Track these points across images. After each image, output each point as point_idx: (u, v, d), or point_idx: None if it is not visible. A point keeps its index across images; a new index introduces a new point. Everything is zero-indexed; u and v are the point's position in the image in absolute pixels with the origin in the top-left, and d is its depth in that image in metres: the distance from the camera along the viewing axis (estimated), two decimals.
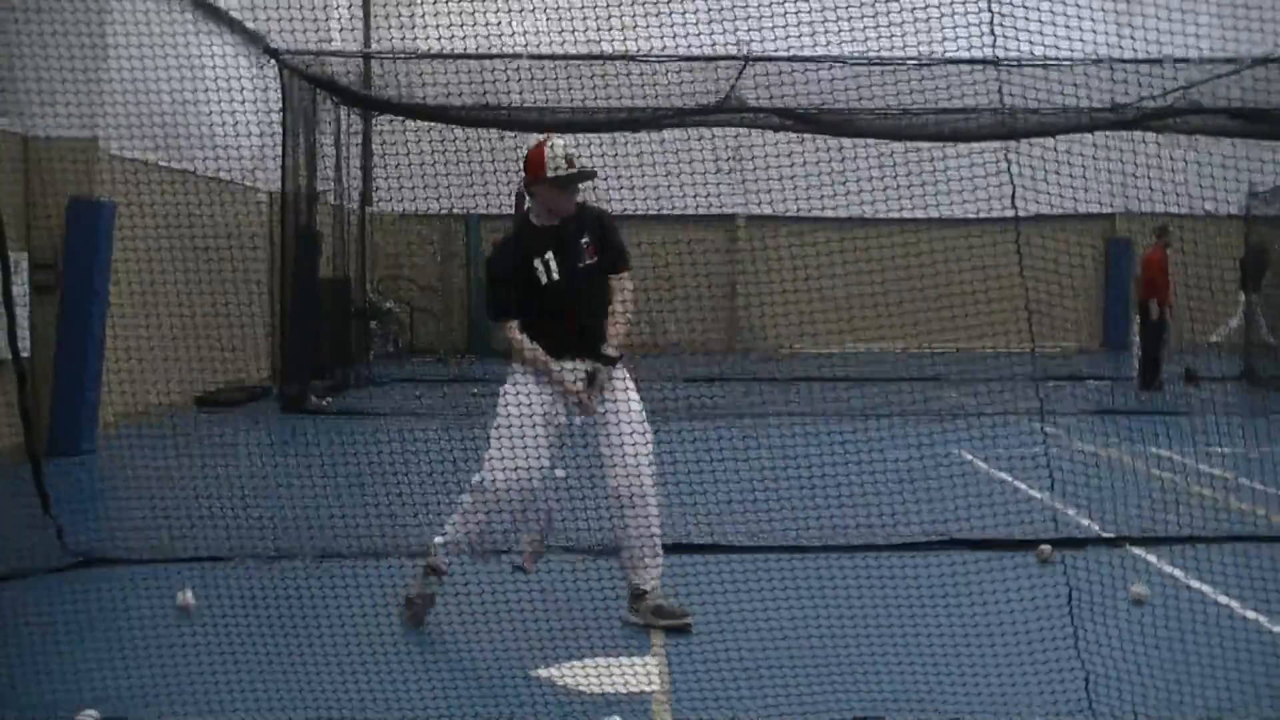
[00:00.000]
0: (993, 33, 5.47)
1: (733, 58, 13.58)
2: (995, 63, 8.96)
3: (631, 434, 6.27)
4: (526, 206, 6.49)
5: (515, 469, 6.20)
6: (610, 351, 6.30)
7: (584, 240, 6.33)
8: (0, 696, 5.37)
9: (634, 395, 6.40)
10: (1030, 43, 7.08)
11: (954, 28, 7.11)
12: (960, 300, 11.77)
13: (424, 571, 6.47)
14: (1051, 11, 7.21)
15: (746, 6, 22.82)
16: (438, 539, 6.46)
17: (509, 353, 6.45)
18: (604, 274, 6.39)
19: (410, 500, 7.60)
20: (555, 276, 6.31)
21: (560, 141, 6.33)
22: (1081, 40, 8.69)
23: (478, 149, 8.76)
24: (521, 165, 6.35)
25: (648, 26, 10.85)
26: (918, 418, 13.90)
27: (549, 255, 6.31)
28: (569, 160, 6.23)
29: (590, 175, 6.35)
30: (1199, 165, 8.97)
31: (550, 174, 6.21)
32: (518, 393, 6.32)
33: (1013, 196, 5.51)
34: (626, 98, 12.10)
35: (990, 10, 5.54)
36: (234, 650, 5.81)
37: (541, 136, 6.42)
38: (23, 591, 6.90)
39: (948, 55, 10.92)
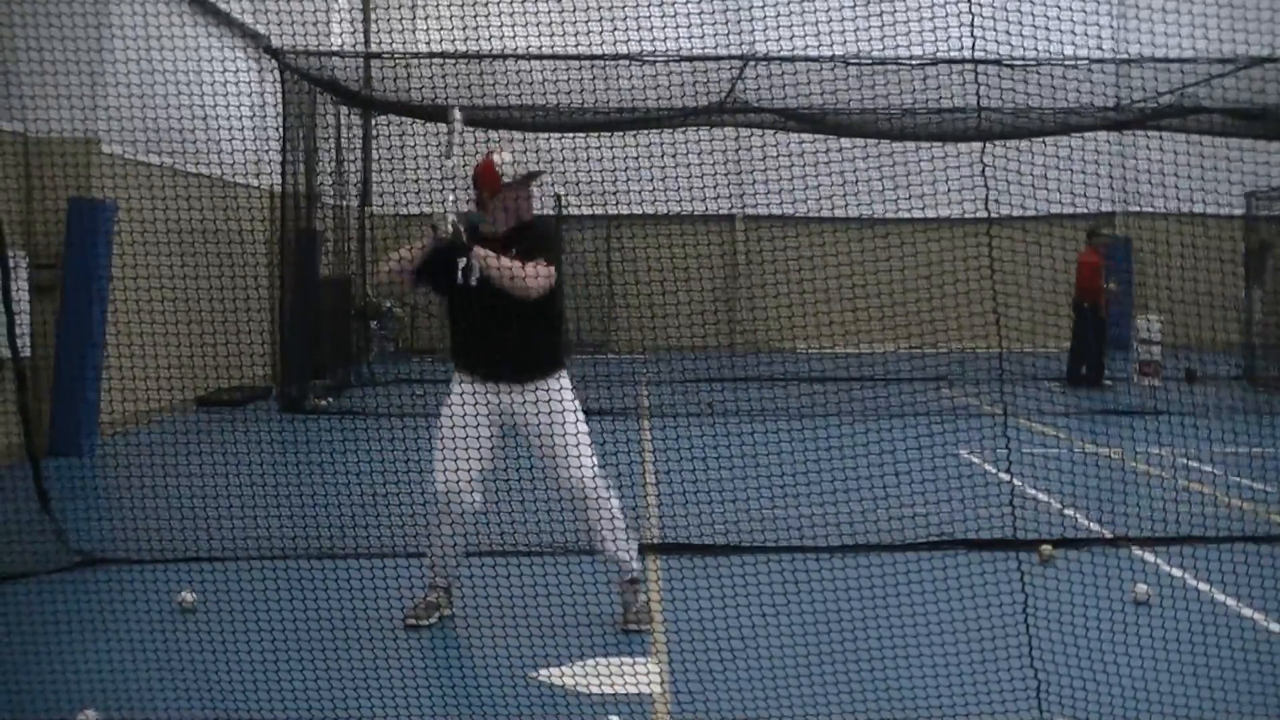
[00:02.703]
0: (974, 35, 5.46)
1: (733, 57, 13.60)
2: (1000, 63, 8.98)
3: (565, 444, 6.26)
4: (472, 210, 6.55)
5: (456, 471, 6.23)
6: (462, 225, 6.15)
7: (512, 251, 6.26)
8: (0, 696, 5.37)
9: (566, 402, 6.32)
10: (1035, 47, 7.08)
11: (958, 27, 7.10)
12: (960, 301, 11.77)
13: (428, 586, 6.53)
14: (1059, 15, 7.21)
15: (749, 7, 22.84)
16: (432, 554, 6.50)
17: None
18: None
19: (410, 500, 7.60)
20: (472, 281, 6.23)
21: (502, 154, 6.43)
22: (1087, 44, 8.69)
23: (476, 149, 8.77)
24: (472, 183, 6.39)
25: (649, 28, 10.85)
26: (918, 418, 13.90)
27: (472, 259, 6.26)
28: (515, 164, 6.36)
29: (539, 174, 6.41)
30: (1201, 165, 8.96)
31: (506, 179, 6.30)
32: (459, 394, 6.34)
33: (986, 199, 5.51)
34: (626, 98, 12.13)
35: (988, 12, 5.54)
36: (234, 650, 5.82)
37: (484, 153, 6.48)
38: (23, 591, 6.90)
39: (951, 56, 10.93)
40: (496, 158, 6.38)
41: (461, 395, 6.36)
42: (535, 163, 6.60)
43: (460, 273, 6.25)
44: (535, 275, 6.16)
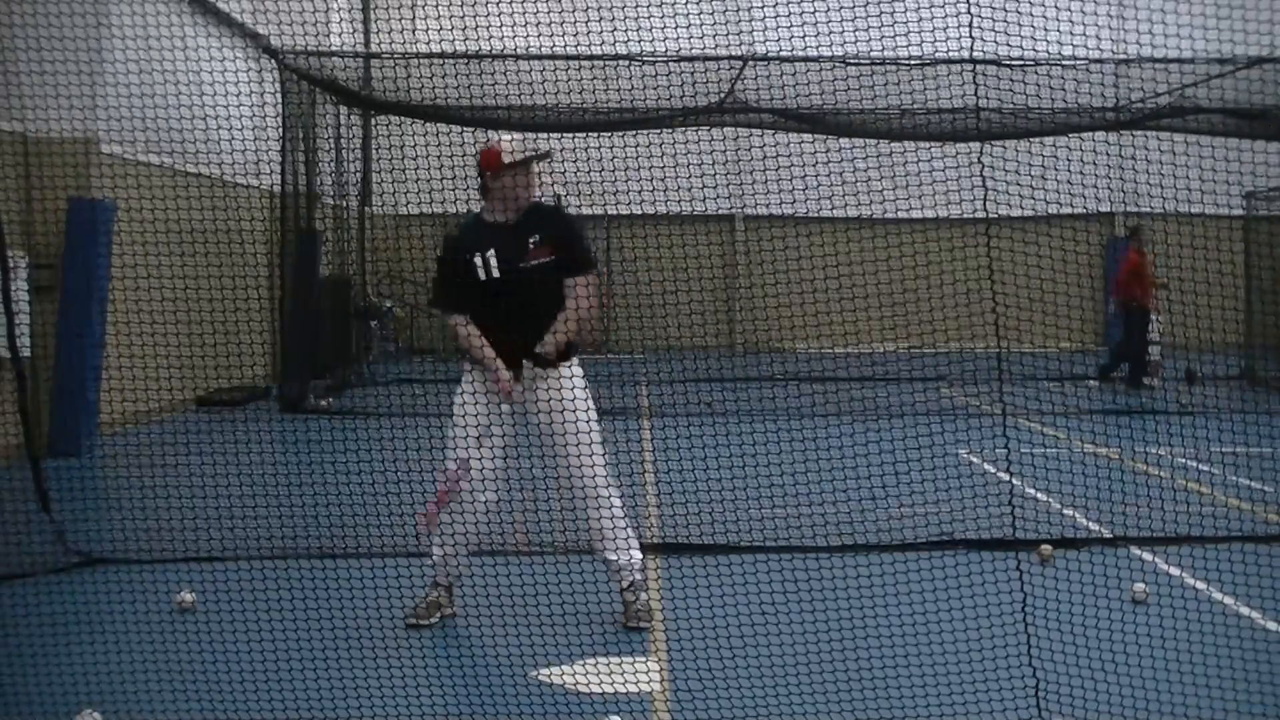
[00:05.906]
0: (972, 35, 5.46)
1: (733, 58, 13.59)
2: (999, 63, 8.97)
3: (575, 432, 6.26)
4: (481, 205, 6.54)
5: (470, 470, 6.24)
6: (542, 349, 6.26)
7: (532, 240, 6.30)
8: (0, 696, 5.37)
9: (578, 390, 6.34)
10: (1034, 47, 7.08)
11: (956, 27, 7.10)
12: (959, 300, 11.78)
13: (430, 585, 6.52)
14: (1058, 15, 7.20)
15: (748, 8, 22.82)
16: (435, 553, 6.48)
17: (461, 351, 6.46)
18: (558, 274, 6.31)
19: (410, 500, 7.60)
20: (494, 274, 6.30)
21: (507, 135, 6.47)
22: (1086, 44, 8.68)
23: (476, 149, 8.76)
24: (477, 168, 6.41)
25: (649, 28, 10.85)
26: (918, 417, 13.91)
27: (490, 252, 6.30)
28: (520, 150, 6.34)
29: (545, 155, 6.39)
30: (1201, 165, 8.96)
31: (508, 159, 6.27)
32: (471, 393, 6.34)
33: (984, 199, 5.51)
34: (626, 98, 12.12)
35: (987, 12, 5.54)
36: (234, 650, 5.82)
37: (487, 140, 6.52)
38: (23, 591, 6.90)
39: (950, 56, 10.93)
40: (499, 140, 6.38)
41: (474, 387, 6.35)
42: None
43: (481, 269, 6.28)
44: (589, 303, 6.30)
